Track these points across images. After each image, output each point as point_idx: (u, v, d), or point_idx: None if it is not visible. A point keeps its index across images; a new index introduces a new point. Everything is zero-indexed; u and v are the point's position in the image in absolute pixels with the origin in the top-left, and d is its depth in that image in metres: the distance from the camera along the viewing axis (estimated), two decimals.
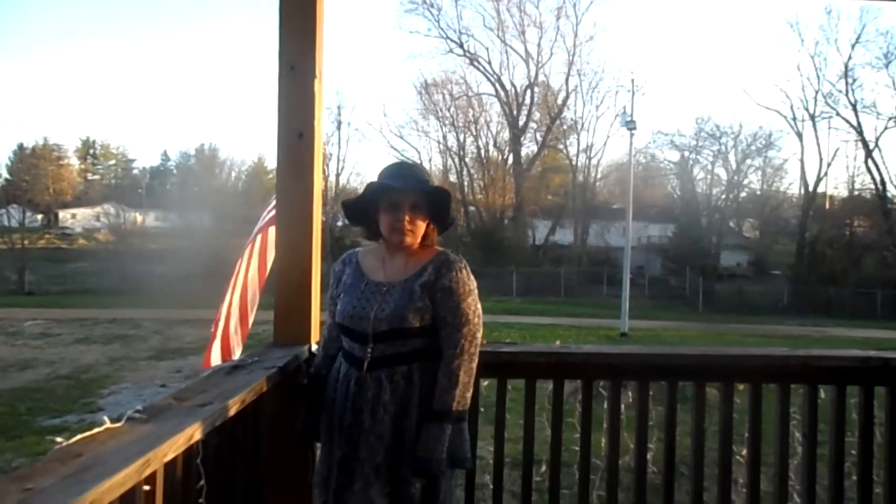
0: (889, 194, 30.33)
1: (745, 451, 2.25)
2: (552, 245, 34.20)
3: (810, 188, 32.50)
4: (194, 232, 34.34)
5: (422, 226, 1.78)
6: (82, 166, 54.60)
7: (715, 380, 2.21)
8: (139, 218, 37.38)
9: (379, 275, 1.80)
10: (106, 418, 1.21)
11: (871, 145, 30.03)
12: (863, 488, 2.22)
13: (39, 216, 39.80)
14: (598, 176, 36.89)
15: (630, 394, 2.18)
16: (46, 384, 9.40)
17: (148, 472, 1.11)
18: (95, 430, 1.18)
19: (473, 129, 35.40)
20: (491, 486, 2.19)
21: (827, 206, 33.87)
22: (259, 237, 2.93)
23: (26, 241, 28.96)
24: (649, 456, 2.21)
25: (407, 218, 1.74)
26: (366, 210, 1.83)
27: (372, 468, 1.69)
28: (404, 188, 1.75)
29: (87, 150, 54.97)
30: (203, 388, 1.51)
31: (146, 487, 1.27)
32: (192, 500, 1.48)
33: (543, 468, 2.20)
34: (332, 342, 1.89)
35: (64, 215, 43.31)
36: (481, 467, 2.21)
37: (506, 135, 35.60)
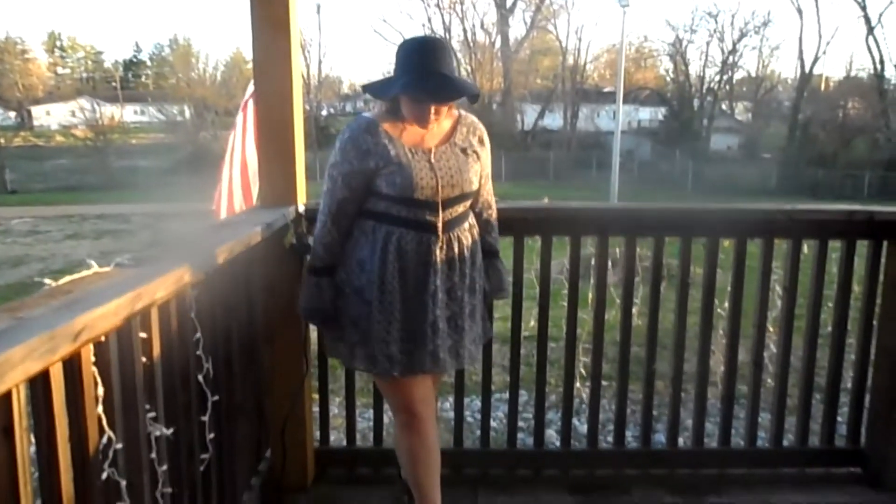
0: (887, 74, 29.71)
1: (726, 304, 2.32)
2: (541, 130, 33.68)
3: (807, 69, 31.73)
4: (176, 125, 33.45)
5: (446, 109, 1.72)
6: (50, 60, 52.06)
7: (701, 234, 2.23)
8: (116, 112, 36.13)
9: (416, 140, 1.73)
10: (93, 262, 1.20)
11: (874, 21, 29.03)
12: (837, 337, 2.32)
13: (12, 114, 38.38)
14: (589, 58, 35.74)
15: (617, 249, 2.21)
16: (41, 279, 9.46)
17: (140, 305, 1.11)
18: (83, 273, 1.17)
19: (459, 11, 33.75)
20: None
21: (822, 87, 33.24)
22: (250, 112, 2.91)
23: (2, 140, 28.14)
24: (634, 310, 2.28)
25: (434, 109, 1.67)
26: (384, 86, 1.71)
27: (445, 322, 1.76)
28: (434, 101, 1.65)
29: (54, 43, 52.15)
30: (191, 243, 1.51)
31: (142, 335, 1.30)
32: (190, 352, 1.52)
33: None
34: (347, 218, 1.76)
35: (37, 112, 41.87)
36: None
37: (493, 16, 33.98)
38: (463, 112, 1.82)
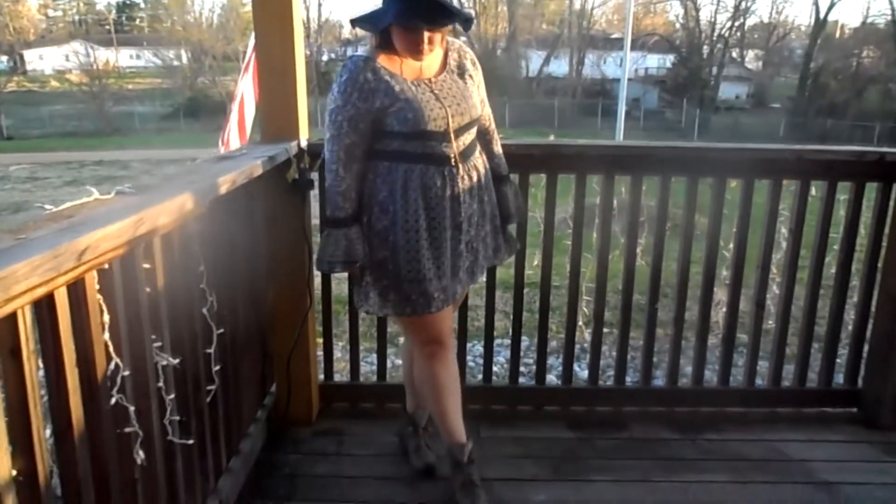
0: None
1: (731, 246, 2.31)
2: (546, 76, 33.00)
3: (822, 16, 30.82)
4: (173, 70, 32.83)
5: (440, 37, 1.66)
6: (41, 1, 50.61)
7: (708, 174, 2.20)
8: (111, 56, 35.38)
9: (415, 73, 1.69)
10: (94, 190, 1.19)
11: None
12: (841, 280, 2.31)
13: (4, 58, 37.60)
14: (597, 3, 34.76)
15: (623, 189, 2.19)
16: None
17: (142, 230, 1.10)
18: (84, 200, 1.16)
19: None
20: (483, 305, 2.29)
21: (837, 35, 32.34)
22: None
23: None
24: (639, 250, 2.27)
25: (427, 37, 1.60)
26: (375, 18, 1.64)
27: (482, 241, 1.81)
28: (429, 26, 1.58)
29: None
30: (191, 172, 1.49)
31: (146, 265, 1.29)
32: (194, 285, 1.52)
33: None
34: (357, 161, 1.69)
35: (30, 56, 40.98)
36: (474, 290, 2.29)
37: None
38: (449, 37, 1.76)
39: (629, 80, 20.41)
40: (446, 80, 1.71)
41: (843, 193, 2.29)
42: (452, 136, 1.67)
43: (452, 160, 1.68)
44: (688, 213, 2.22)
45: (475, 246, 1.81)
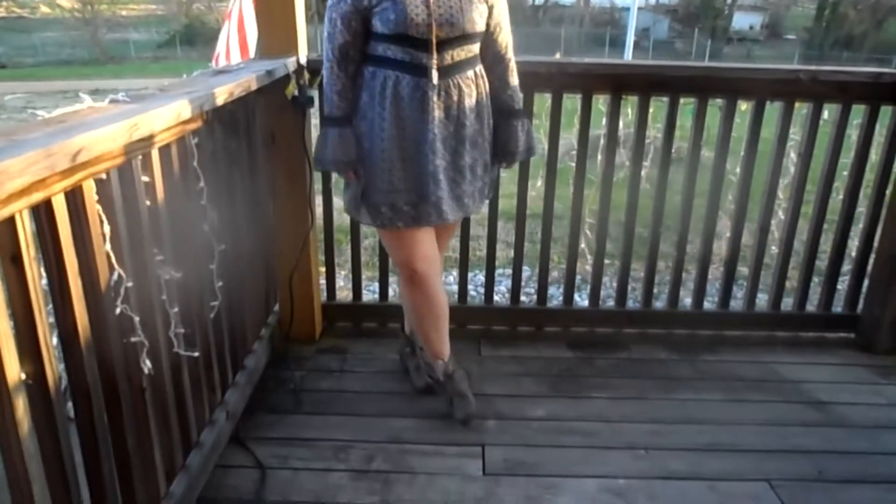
0: None
1: (738, 170, 2.28)
2: (553, 4, 31.88)
3: None
4: None
5: None
6: None
7: (719, 94, 2.14)
8: None
9: None
10: (87, 96, 1.15)
11: None
12: (848, 205, 2.29)
13: None
14: None
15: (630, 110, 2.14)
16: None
17: (138, 135, 1.08)
18: (77, 107, 1.13)
19: None
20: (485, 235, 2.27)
21: None
22: None
23: None
24: (643, 173, 2.24)
25: None
26: None
27: (444, 174, 1.71)
28: None
29: None
30: (188, 84, 1.45)
31: (145, 179, 1.28)
32: (194, 201, 1.50)
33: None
34: (350, 61, 1.68)
35: None
36: (475, 220, 2.27)
37: None
38: None
39: (639, 8, 19.68)
40: None
41: (856, 118, 2.24)
42: (434, 46, 1.61)
43: (431, 73, 1.63)
44: (695, 136, 2.18)
45: (459, 174, 1.74)
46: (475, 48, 1.70)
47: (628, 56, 16.69)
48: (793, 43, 29.70)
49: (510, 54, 1.77)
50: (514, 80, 1.80)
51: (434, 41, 1.60)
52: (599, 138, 2.18)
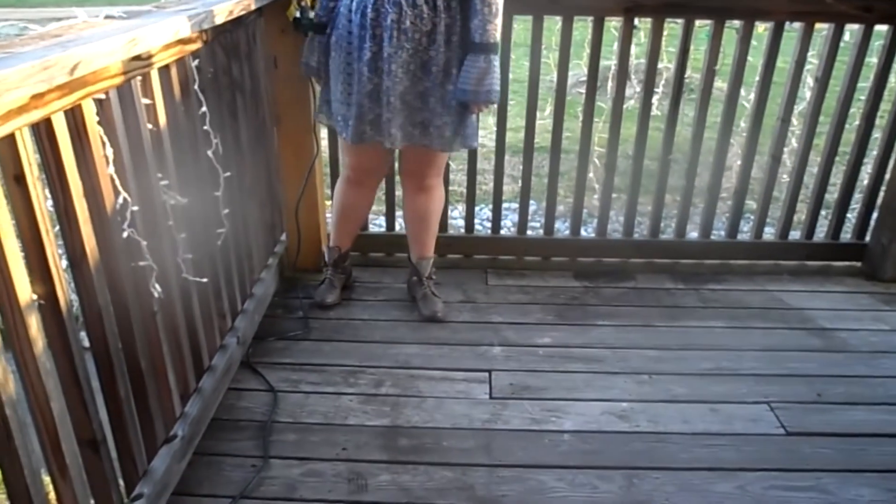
0: None
1: (751, 96, 2.22)
2: None
3: None
4: None
5: None
6: None
7: (736, 16, 2.06)
8: None
9: None
10: (81, 11, 1.11)
11: None
12: (864, 131, 2.24)
13: None
14: None
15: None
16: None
17: (136, 51, 1.05)
18: (72, 21, 1.09)
19: None
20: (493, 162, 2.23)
21: None
22: None
23: None
24: (654, 100, 2.19)
25: None
26: None
27: (398, 97, 1.68)
28: None
29: None
30: (185, 2, 1.39)
31: (146, 101, 1.25)
32: (197, 126, 1.47)
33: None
34: None
35: None
36: (481, 153, 2.22)
37: None
38: None
39: None
40: None
41: (878, 40, 2.16)
42: None
43: None
44: (710, 61, 2.10)
45: (409, 99, 1.69)
46: None
47: None
48: None
49: None
50: (490, 11, 1.63)
51: None
52: (609, 69, 2.12)
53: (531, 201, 2.40)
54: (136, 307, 1.23)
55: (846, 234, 2.43)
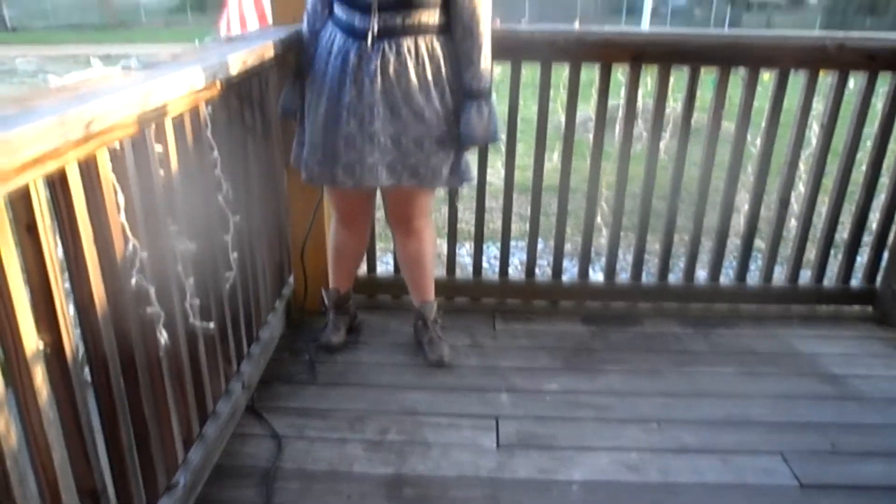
0: None
1: (758, 141, 2.23)
2: None
3: None
4: None
5: None
6: None
7: (741, 64, 2.08)
8: None
9: None
10: (98, 61, 1.14)
11: None
12: (871, 177, 2.24)
13: None
14: None
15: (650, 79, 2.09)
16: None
17: (151, 105, 1.07)
18: (89, 74, 1.11)
19: None
20: (501, 201, 2.24)
21: None
22: None
23: None
24: (661, 145, 2.20)
25: None
26: None
27: (386, 140, 1.70)
28: None
29: None
30: (201, 52, 1.42)
31: (158, 148, 1.26)
32: (208, 171, 1.49)
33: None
34: (317, 17, 1.76)
35: None
36: (491, 192, 2.24)
37: None
38: None
39: None
40: None
41: (882, 86, 2.18)
42: (376, 9, 1.62)
43: (362, 35, 1.64)
44: (716, 106, 2.12)
45: (401, 141, 1.69)
46: (428, 17, 1.65)
47: (646, 22, 16.32)
48: (814, 9, 28.88)
49: (481, 29, 1.67)
50: (482, 58, 1.68)
51: (375, 4, 1.61)
52: (617, 109, 2.14)
53: (539, 239, 2.39)
54: (142, 354, 1.23)
55: (857, 273, 2.41)
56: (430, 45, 1.67)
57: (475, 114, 1.71)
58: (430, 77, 1.68)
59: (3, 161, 0.74)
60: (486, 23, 1.69)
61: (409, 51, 1.65)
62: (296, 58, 1.81)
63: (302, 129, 1.83)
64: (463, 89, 1.72)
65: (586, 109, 2.22)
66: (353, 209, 1.94)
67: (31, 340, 0.93)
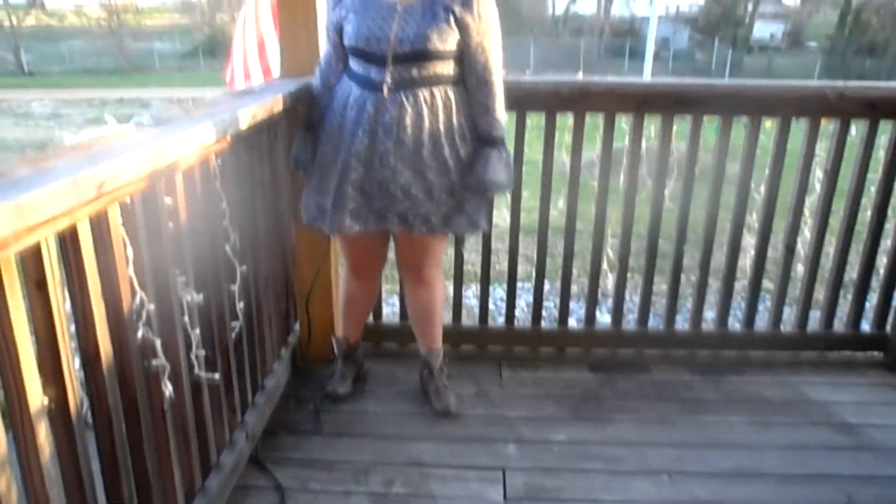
0: None
1: (762, 189, 2.24)
2: (572, 16, 31.92)
3: None
4: (192, 6, 32.29)
5: None
6: None
7: (743, 113, 2.11)
8: None
9: None
10: (112, 118, 1.16)
11: None
12: (876, 223, 2.24)
13: None
14: None
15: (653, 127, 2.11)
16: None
17: (163, 163, 1.09)
18: (103, 131, 1.14)
19: None
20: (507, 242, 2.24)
21: None
22: None
23: (14, 20, 27.44)
24: (666, 192, 2.21)
25: None
26: None
27: (396, 190, 1.71)
28: None
29: None
30: (212, 105, 1.45)
31: (168, 201, 1.28)
32: (216, 222, 1.51)
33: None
34: (332, 71, 1.79)
35: None
36: (496, 234, 2.25)
37: None
38: None
39: (659, 17, 19.57)
40: (416, 7, 1.65)
41: (884, 133, 2.20)
42: (391, 62, 1.65)
43: (378, 87, 1.67)
44: (719, 153, 2.14)
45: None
46: (442, 68, 1.68)
47: (647, 66, 16.59)
48: (814, 51, 29.38)
49: (494, 79, 1.71)
50: (496, 107, 1.73)
51: (391, 57, 1.64)
52: (622, 152, 2.16)
53: (545, 281, 2.39)
54: (146, 406, 1.22)
55: (866, 322, 2.38)
56: (445, 95, 1.70)
57: (496, 160, 1.74)
58: (442, 127, 1.70)
59: (17, 224, 0.75)
60: (499, 73, 1.73)
61: (425, 101, 1.68)
62: (306, 110, 1.84)
63: (311, 179, 1.84)
64: (480, 138, 1.74)
65: (591, 153, 2.25)
66: (366, 256, 1.94)
67: (36, 396, 0.93)
